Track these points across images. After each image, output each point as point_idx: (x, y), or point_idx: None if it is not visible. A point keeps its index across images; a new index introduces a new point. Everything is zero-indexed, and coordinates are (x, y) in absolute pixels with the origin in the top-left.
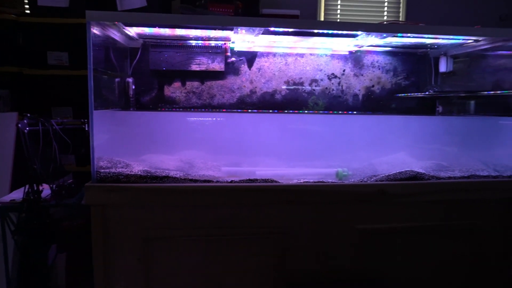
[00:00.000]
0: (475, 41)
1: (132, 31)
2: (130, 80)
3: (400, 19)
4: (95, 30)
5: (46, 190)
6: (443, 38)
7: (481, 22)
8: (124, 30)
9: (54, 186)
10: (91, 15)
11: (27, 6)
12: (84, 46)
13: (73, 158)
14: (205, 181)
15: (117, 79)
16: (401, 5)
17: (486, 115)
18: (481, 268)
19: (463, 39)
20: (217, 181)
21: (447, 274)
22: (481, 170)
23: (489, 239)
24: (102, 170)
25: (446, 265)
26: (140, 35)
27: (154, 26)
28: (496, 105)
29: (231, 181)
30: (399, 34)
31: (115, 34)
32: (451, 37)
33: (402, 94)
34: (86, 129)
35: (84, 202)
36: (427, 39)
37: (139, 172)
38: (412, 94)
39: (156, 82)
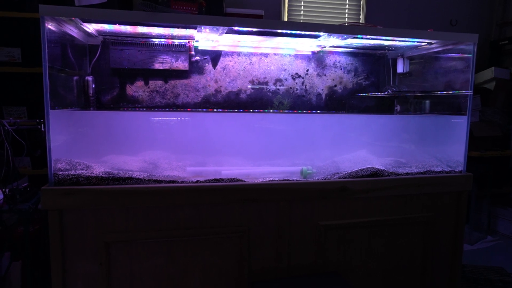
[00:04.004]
0: (428, 43)
1: (91, 27)
2: (89, 78)
3: (360, 22)
4: (50, 26)
5: None
6: (399, 40)
7: (433, 26)
8: (82, 26)
9: (7, 190)
10: (45, 9)
11: None
12: (38, 42)
13: (28, 160)
14: (170, 181)
15: (75, 78)
16: (361, 8)
17: (440, 114)
18: (435, 256)
19: (418, 42)
20: (182, 182)
21: (405, 264)
22: (436, 166)
23: (442, 229)
24: (60, 173)
25: (404, 255)
26: (100, 32)
27: (113, 23)
28: (448, 104)
29: (197, 181)
30: (359, 36)
31: (72, 31)
32: (407, 39)
33: (363, 94)
34: (42, 129)
35: (40, 206)
36: (385, 41)
37: (101, 174)
38: (372, 93)
39: (117, 81)
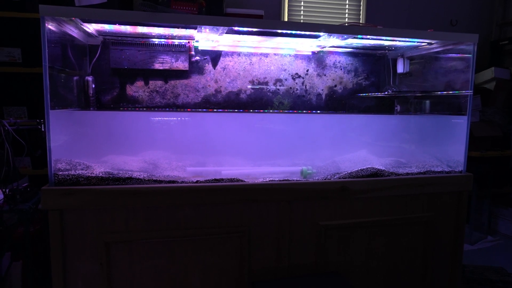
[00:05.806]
0: (428, 43)
1: (91, 27)
2: (89, 78)
3: (361, 22)
4: (50, 26)
5: None
6: (399, 40)
7: (433, 26)
8: (82, 26)
9: (7, 190)
10: (45, 9)
11: None
12: (38, 42)
13: (28, 161)
14: (170, 181)
15: (75, 78)
16: (361, 8)
17: (440, 114)
18: (435, 256)
19: (418, 42)
20: (182, 182)
21: (406, 264)
22: (436, 166)
23: (442, 229)
24: (61, 173)
25: (404, 255)
26: (100, 32)
27: (113, 23)
28: (448, 104)
29: (197, 181)
30: (359, 36)
31: (72, 31)
32: (407, 39)
33: (363, 94)
34: (43, 129)
35: (41, 206)
36: (385, 41)
37: (101, 174)
38: (372, 93)
39: (118, 81)
